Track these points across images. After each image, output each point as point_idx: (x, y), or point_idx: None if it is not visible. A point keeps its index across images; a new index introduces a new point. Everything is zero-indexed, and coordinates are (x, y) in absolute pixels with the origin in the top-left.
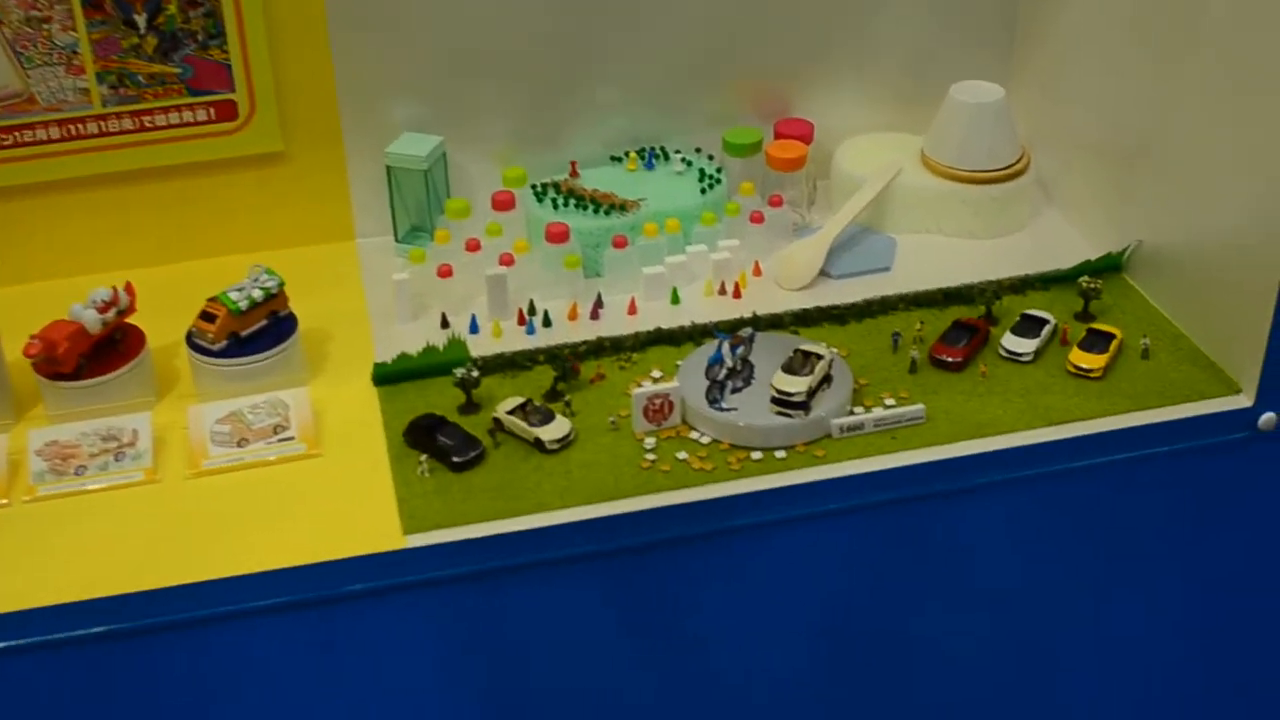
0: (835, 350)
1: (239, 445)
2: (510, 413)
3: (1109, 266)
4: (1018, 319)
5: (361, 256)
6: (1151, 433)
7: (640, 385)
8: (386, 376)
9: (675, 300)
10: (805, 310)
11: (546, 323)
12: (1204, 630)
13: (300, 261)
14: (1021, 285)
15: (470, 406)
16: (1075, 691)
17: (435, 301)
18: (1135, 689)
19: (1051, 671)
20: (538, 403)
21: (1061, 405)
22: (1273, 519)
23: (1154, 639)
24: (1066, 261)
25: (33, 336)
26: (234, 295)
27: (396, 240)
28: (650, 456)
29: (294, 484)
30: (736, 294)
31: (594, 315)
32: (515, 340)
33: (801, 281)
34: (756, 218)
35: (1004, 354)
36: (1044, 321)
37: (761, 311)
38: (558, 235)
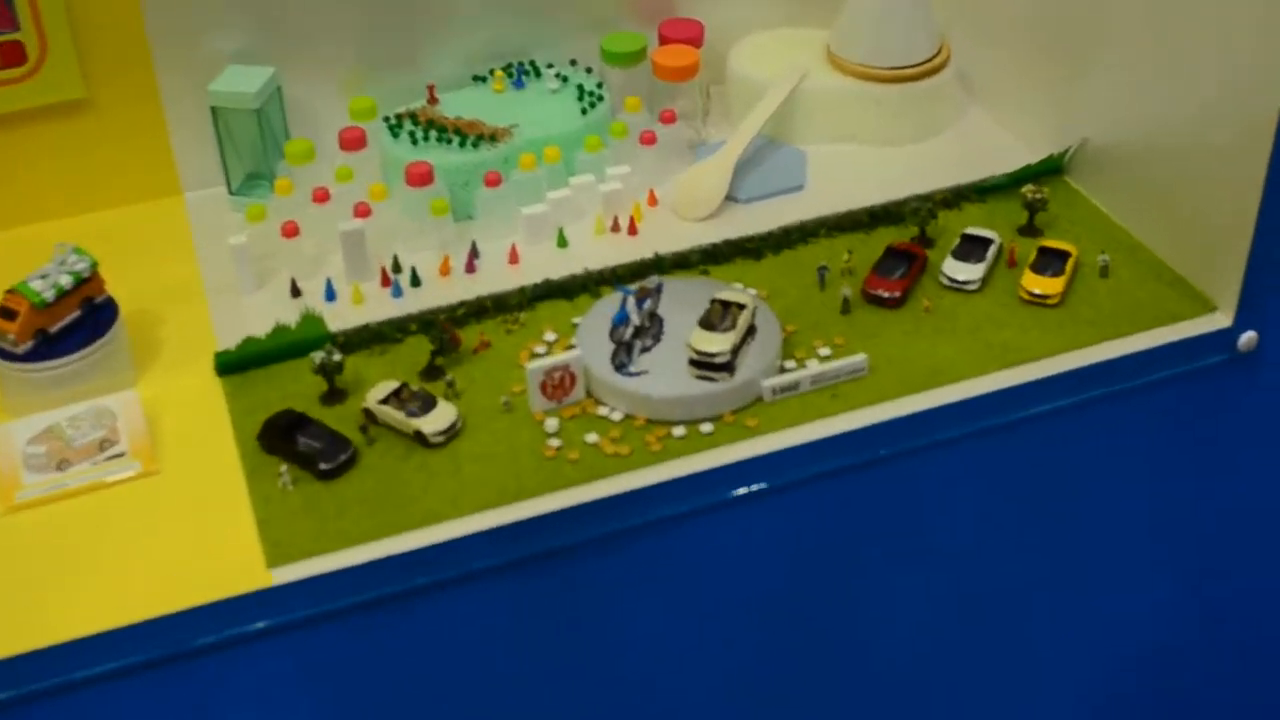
0: (757, 294)
1: (59, 469)
2: (383, 402)
3: (1049, 170)
4: (958, 241)
5: (191, 215)
6: (1122, 366)
7: (533, 354)
8: (231, 365)
9: (562, 243)
10: (714, 245)
11: (415, 282)
12: (1190, 572)
13: (117, 227)
14: (955, 199)
15: (334, 395)
16: (1056, 656)
17: (282, 266)
18: (1120, 644)
19: (1029, 638)
20: (414, 386)
21: (1019, 341)
22: (1257, 448)
23: (1138, 587)
24: (1000, 167)
25: None
26: (36, 284)
27: (230, 192)
28: (554, 443)
29: (130, 512)
30: (632, 230)
31: (469, 268)
32: (380, 306)
33: (705, 210)
34: (647, 138)
35: (947, 283)
36: (987, 241)
37: (664, 250)
38: (419, 176)
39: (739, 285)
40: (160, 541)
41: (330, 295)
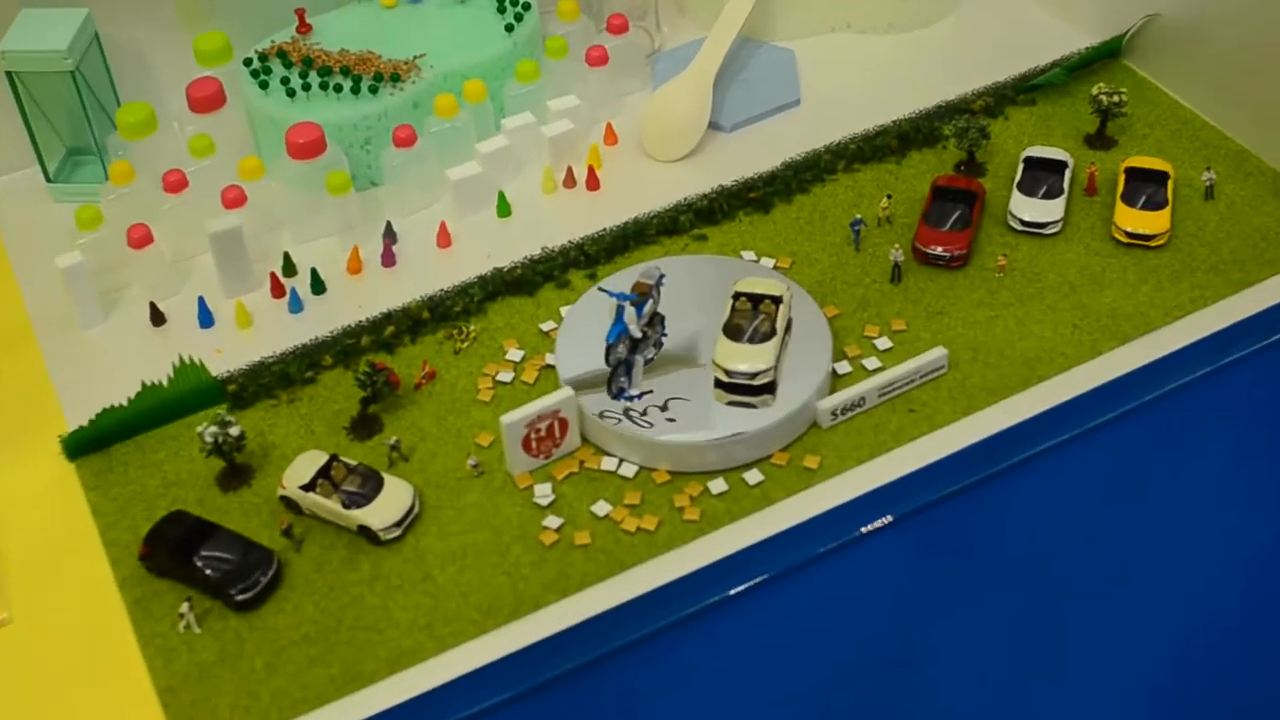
0: (784, 274)
1: None
2: (308, 487)
3: (1105, 55)
4: (1020, 167)
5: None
6: (1261, 321)
7: (497, 381)
8: (86, 445)
9: (504, 211)
10: (706, 198)
11: (317, 287)
12: None
13: None
14: (996, 103)
15: (236, 476)
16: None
17: (134, 282)
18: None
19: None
20: (346, 459)
21: (1128, 302)
22: None
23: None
24: (1039, 55)
25: None
26: None
27: (48, 179)
28: (552, 521)
29: None
30: (592, 182)
31: (386, 260)
32: (276, 328)
33: (684, 146)
34: (595, 56)
35: (1018, 226)
36: (1059, 165)
37: (640, 208)
38: (306, 146)
39: (756, 258)
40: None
41: (205, 319)
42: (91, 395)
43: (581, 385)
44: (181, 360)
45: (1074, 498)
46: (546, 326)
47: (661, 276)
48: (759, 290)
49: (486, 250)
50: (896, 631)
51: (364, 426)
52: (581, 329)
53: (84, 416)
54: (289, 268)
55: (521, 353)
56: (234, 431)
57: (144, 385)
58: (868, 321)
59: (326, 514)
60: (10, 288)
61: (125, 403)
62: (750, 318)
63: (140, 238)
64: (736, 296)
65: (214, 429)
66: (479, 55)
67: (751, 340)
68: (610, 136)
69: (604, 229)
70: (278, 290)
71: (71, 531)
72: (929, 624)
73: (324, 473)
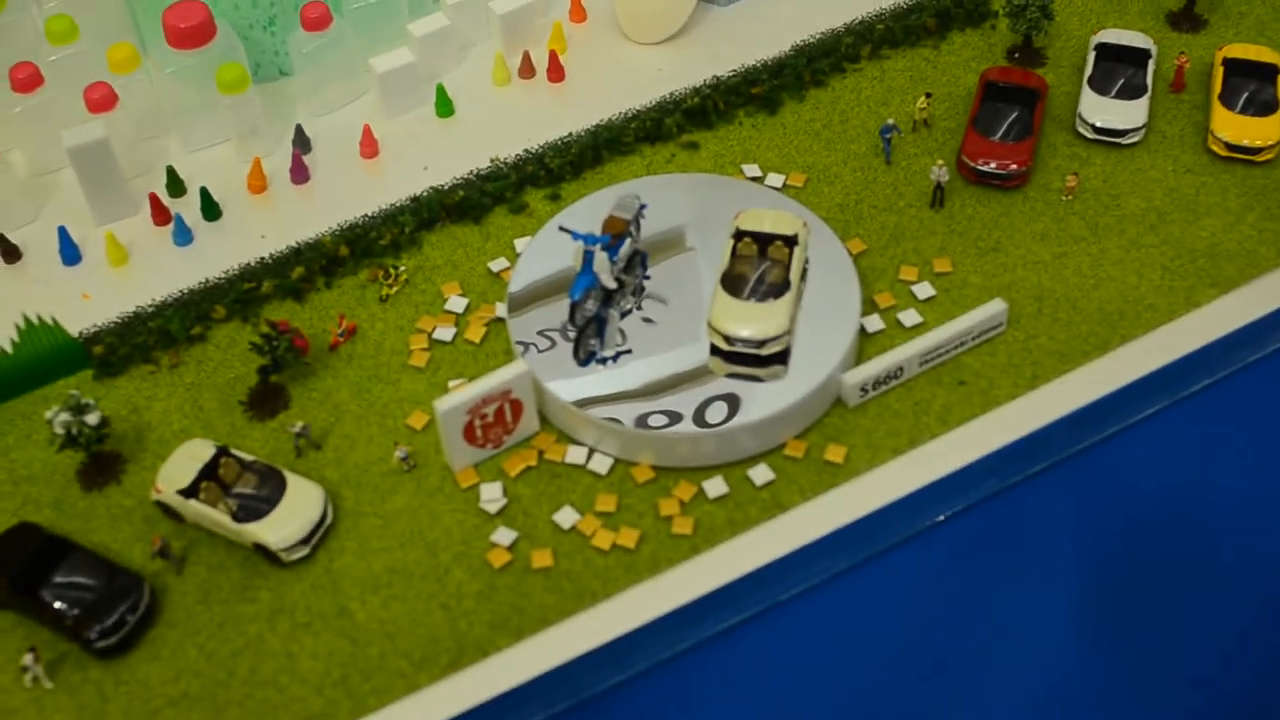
0: (799, 205)
1: None
2: (189, 491)
3: None
4: (1091, 56)
5: None
6: None
7: (433, 339)
8: None
9: (445, 109)
10: (698, 93)
11: (210, 212)
12: None
13: None
14: None
15: (100, 471)
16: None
17: None
18: None
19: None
20: (244, 455)
21: (1232, 238)
22: None
23: None
24: None
25: None
26: None
27: None
28: (503, 536)
29: None
30: (555, 71)
31: (297, 175)
32: (155, 263)
33: (668, 25)
34: None
35: (1089, 134)
36: (1140, 55)
37: (613, 106)
38: (190, 31)
39: (761, 174)
40: None
41: (70, 254)
42: None
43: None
44: (27, 320)
45: (1161, 484)
46: (497, 265)
47: (642, 207)
48: (767, 228)
49: (422, 162)
50: (929, 650)
51: (265, 402)
52: (541, 269)
53: None
54: (175, 186)
55: (465, 301)
56: (92, 419)
57: None
58: (903, 260)
59: (213, 526)
60: None
61: None
62: (755, 264)
63: None
64: (739, 236)
65: (66, 415)
66: None
67: (758, 296)
68: (577, 12)
69: (570, 134)
70: (160, 216)
71: None
72: (972, 636)
73: (210, 472)
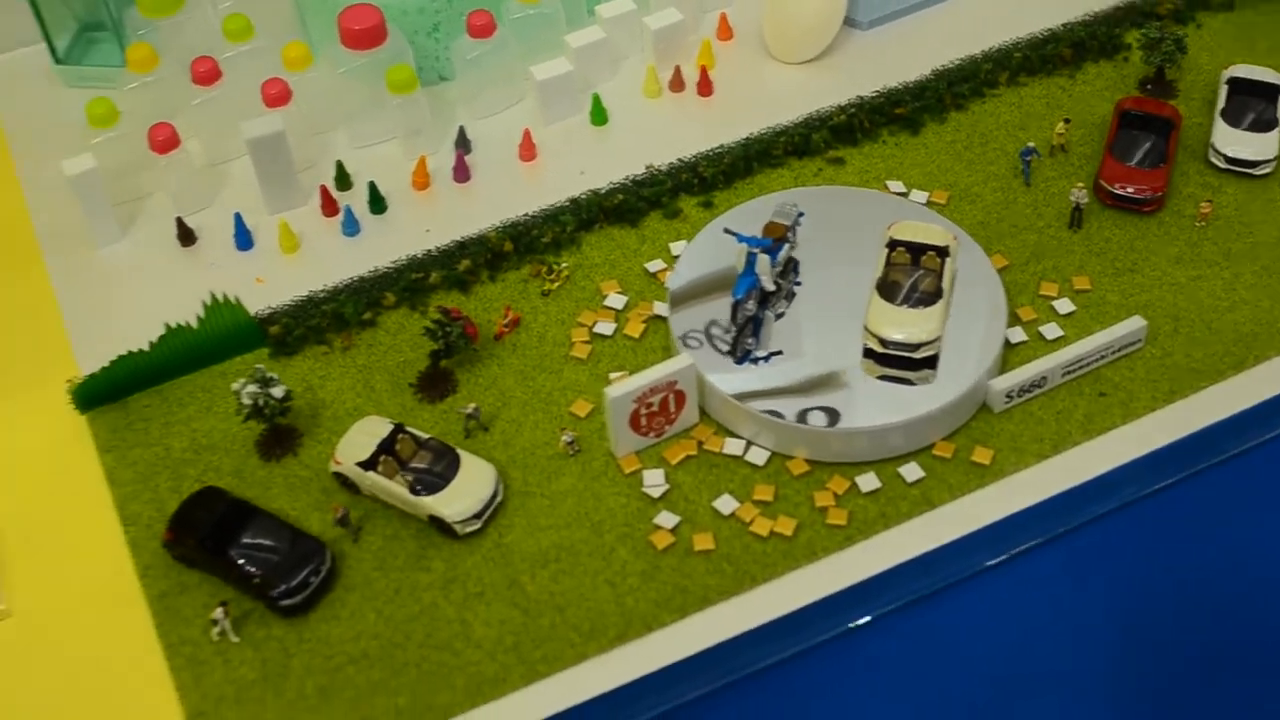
0: (947, 221)
1: None
2: (368, 464)
3: None
4: (1224, 90)
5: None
6: None
7: (594, 333)
8: (100, 394)
9: (600, 118)
10: (843, 111)
11: (376, 205)
12: None
13: None
14: (1186, 3)
15: (278, 443)
16: None
17: (157, 187)
18: None
19: None
20: (420, 433)
21: None
22: None
23: None
24: None
25: None
26: None
27: (56, 61)
28: (666, 519)
29: None
30: (705, 86)
31: (459, 173)
32: (328, 255)
33: (813, 46)
34: None
35: (1221, 163)
36: (1271, 89)
37: (760, 121)
38: (364, 34)
39: (906, 190)
40: None
41: (243, 240)
42: (107, 330)
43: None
44: (214, 298)
45: None
46: (654, 266)
47: (800, 215)
48: (920, 239)
49: (578, 167)
50: (1081, 649)
51: (434, 385)
52: (699, 272)
53: (98, 356)
54: (343, 179)
55: (624, 298)
56: (277, 392)
57: (169, 326)
58: (1043, 277)
59: (389, 498)
60: (12, 192)
61: (147, 346)
62: (908, 273)
63: (165, 139)
64: (892, 245)
65: (253, 388)
66: None
67: (912, 302)
68: (724, 30)
69: (721, 145)
70: (329, 207)
71: (83, 502)
72: (1119, 640)
73: (387, 447)
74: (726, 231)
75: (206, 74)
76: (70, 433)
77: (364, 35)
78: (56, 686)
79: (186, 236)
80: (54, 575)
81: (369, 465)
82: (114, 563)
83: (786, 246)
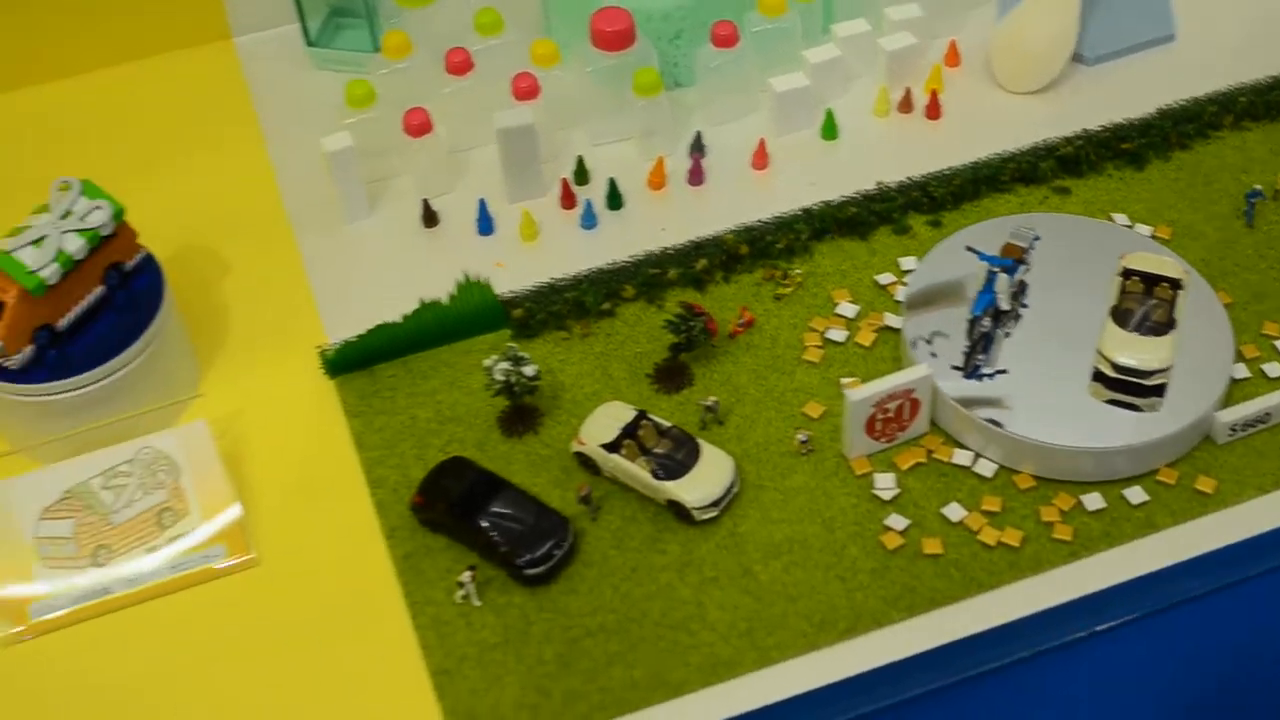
0: (1179, 257)
1: (95, 562)
2: (612, 447)
3: None
4: None
5: (251, 83)
6: None
7: (826, 339)
8: (349, 362)
9: (830, 133)
10: (1070, 143)
11: (614, 202)
12: None
13: (126, 98)
14: None
15: (520, 420)
16: None
17: (404, 173)
18: None
19: None
20: (661, 421)
21: None
22: None
23: None
24: None
25: None
26: (26, 256)
27: (308, 42)
28: (896, 521)
29: (211, 647)
30: (933, 109)
31: (694, 177)
32: (566, 246)
33: (1042, 76)
34: None
35: None
36: None
37: (988, 147)
38: (615, 36)
39: (1130, 223)
40: (264, 699)
41: (485, 225)
42: (353, 301)
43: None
44: (467, 277)
45: None
46: (884, 279)
47: (1035, 239)
48: (1153, 270)
49: (809, 178)
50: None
51: (671, 377)
52: (930, 288)
53: (344, 325)
54: (581, 174)
55: (855, 308)
56: (528, 371)
57: (423, 302)
58: (1266, 316)
59: (630, 480)
60: (263, 166)
61: (397, 318)
62: (1142, 301)
63: (419, 124)
64: (1127, 274)
65: (505, 365)
66: None
67: (1144, 330)
68: (953, 57)
69: (948, 167)
70: (568, 200)
71: (330, 462)
72: None
73: (631, 431)
74: (969, 249)
75: (460, 64)
76: (318, 396)
77: (615, 37)
78: (302, 632)
79: (430, 218)
80: (301, 529)
81: (613, 448)
82: (360, 522)
83: (1023, 267)
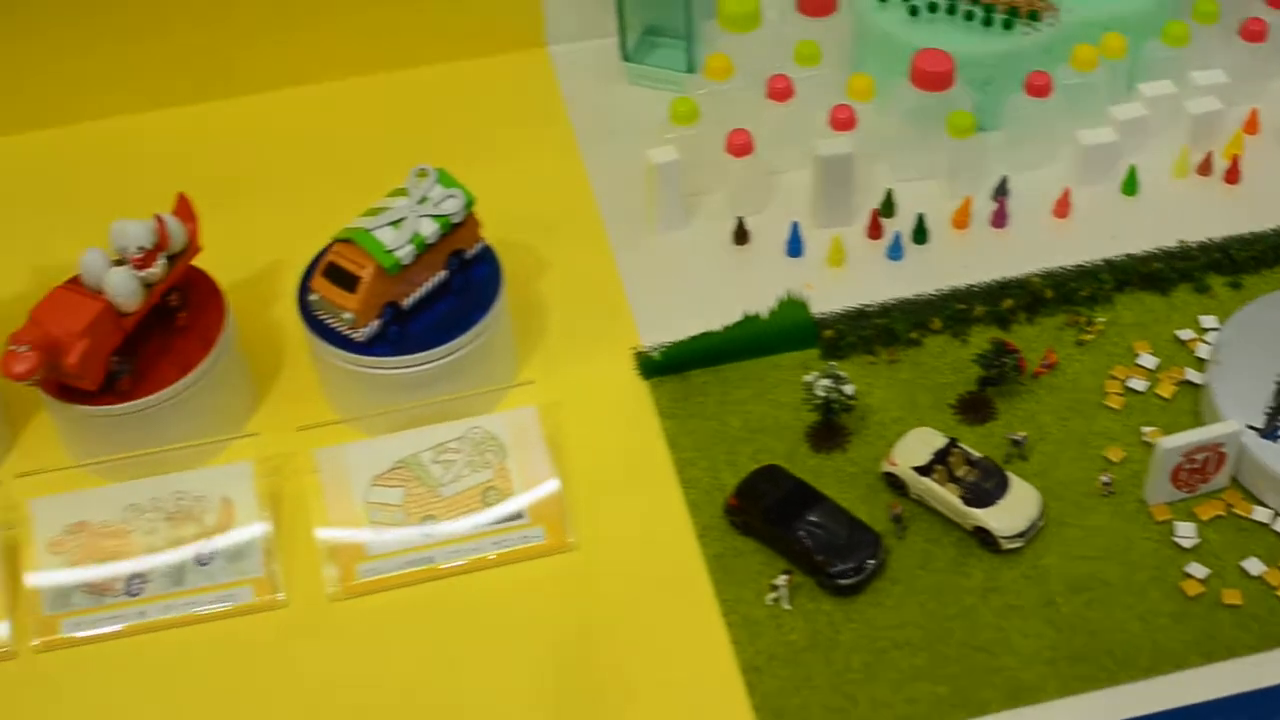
0: None
1: (422, 532)
2: (924, 470)
3: None
4: None
5: (564, 90)
6: None
7: (1126, 387)
8: (664, 365)
9: (1130, 188)
10: None
11: (920, 235)
12: None
13: (445, 95)
14: None
15: (829, 437)
16: None
17: (719, 186)
18: None
19: None
20: (972, 451)
21: None
22: None
23: None
24: None
25: (13, 336)
26: (386, 235)
27: (624, 57)
28: (1196, 569)
29: (525, 624)
30: (1232, 174)
31: (998, 219)
32: (869, 270)
33: None
34: (1252, 29)
35: None
36: None
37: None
38: (936, 77)
39: None
40: (573, 680)
41: (795, 248)
42: (664, 308)
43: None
44: (789, 294)
45: None
46: (1184, 335)
47: None
48: None
49: (1109, 231)
50: None
51: (976, 409)
52: (1237, 350)
53: (657, 330)
54: (888, 207)
55: (1155, 360)
56: (848, 390)
57: (745, 315)
58: None
59: (938, 504)
60: (577, 171)
61: (708, 327)
62: None
63: (741, 144)
64: None
65: (827, 382)
66: (1123, 6)
67: None
68: (1253, 124)
69: (1250, 231)
70: (875, 230)
71: (643, 460)
72: None
73: (941, 457)
74: None
75: (781, 90)
76: (632, 395)
77: (936, 78)
78: (613, 616)
79: (741, 235)
80: (615, 519)
81: (924, 471)
82: (672, 519)
83: None
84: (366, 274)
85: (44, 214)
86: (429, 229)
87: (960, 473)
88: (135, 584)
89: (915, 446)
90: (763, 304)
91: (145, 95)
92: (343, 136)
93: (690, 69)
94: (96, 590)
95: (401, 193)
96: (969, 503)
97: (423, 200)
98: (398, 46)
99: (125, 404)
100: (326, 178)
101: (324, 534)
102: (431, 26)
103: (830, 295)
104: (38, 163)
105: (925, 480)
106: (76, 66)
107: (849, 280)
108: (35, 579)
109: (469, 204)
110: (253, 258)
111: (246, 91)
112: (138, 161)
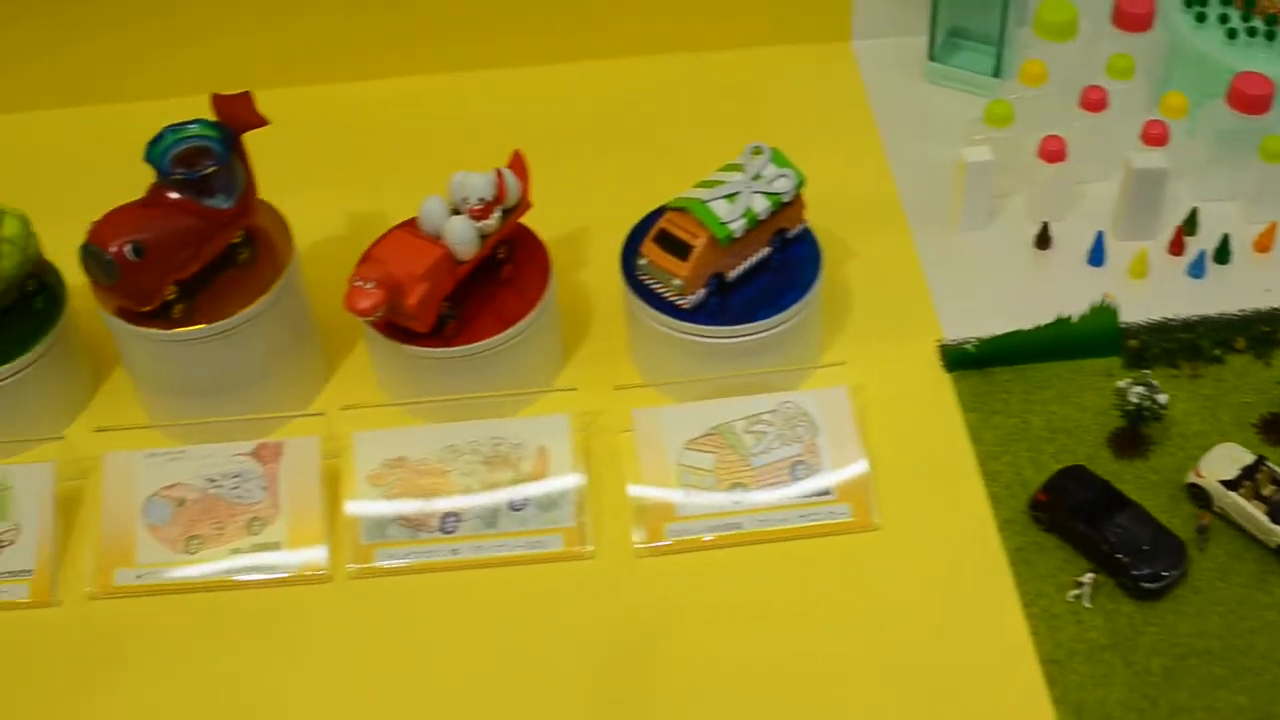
0: None
1: (731, 498)
2: (1230, 484)
3: None
4: None
5: (868, 84)
6: None
7: None
8: (968, 359)
9: None
10: None
11: (1222, 256)
12: None
13: (750, 78)
14: None
15: (1133, 442)
16: None
17: (1025, 190)
18: None
19: None
20: (1279, 470)
21: None
22: None
23: None
24: None
25: (359, 272)
26: (720, 208)
27: (930, 57)
28: None
29: (825, 597)
30: None
31: None
32: (1170, 285)
33: None
34: None
35: None
36: None
37: None
38: (1255, 100)
39: None
40: (866, 652)
41: (1097, 257)
42: (966, 304)
43: None
44: (1104, 298)
45: None
46: None
47: None
48: None
49: None
50: None
51: (1278, 429)
52: None
53: (957, 325)
54: (1191, 225)
55: None
56: (1161, 399)
57: (1058, 317)
58: None
59: (1241, 518)
60: (879, 164)
61: (1009, 326)
62: None
63: (1054, 151)
64: None
65: (1140, 389)
66: None
67: None
68: None
69: None
70: (1177, 247)
71: (946, 450)
72: None
73: (1249, 473)
74: None
75: (1096, 101)
76: (934, 386)
77: (1256, 101)
78: (913, 599)
79: (1044, 240)
80: (916, 505)
81: (1231, 486)
82: (974, 510)
83: None
84: (699, 243)
85: (382, 160)
86: (761, 205)
87: (1267, 491)
88: (450, 522)
89: (1222, 461)
90: (1063, 309)
91: (492, 53)
92: (646, 111)
93: (996, 73)
94: (412, 524)
95: (736, 168)
96: (1275, 520)
97: (756, 177)
98: (709, 28)
99: (451, 348)
100: (631, 147)
101: (635, 491)
102: (743, 11)
103: (1131, 307)
104: (382, 110)
105: (1231, 495)
106: (434, 18)
107: (1150, 293)
108: (354, 508)
109: (799, 184)
110: (564, 220)
111: (575, 58)
112: (473, 118)
